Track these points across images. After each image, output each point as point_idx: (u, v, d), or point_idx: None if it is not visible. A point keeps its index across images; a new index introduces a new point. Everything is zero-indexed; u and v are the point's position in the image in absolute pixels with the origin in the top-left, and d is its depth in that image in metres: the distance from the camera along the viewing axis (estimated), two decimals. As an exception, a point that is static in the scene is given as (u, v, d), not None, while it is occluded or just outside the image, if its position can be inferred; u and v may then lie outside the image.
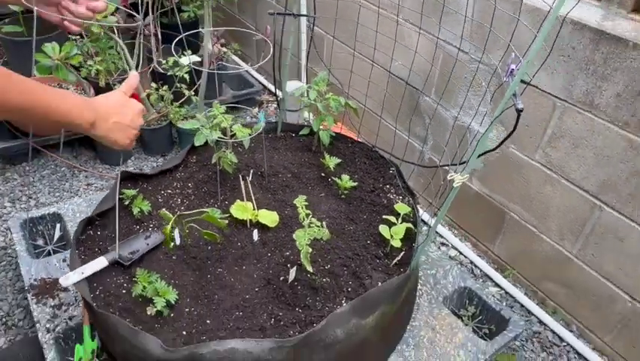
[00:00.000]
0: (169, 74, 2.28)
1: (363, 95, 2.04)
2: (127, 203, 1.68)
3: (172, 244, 1.49)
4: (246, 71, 3.15)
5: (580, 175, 1.67)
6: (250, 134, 1.76)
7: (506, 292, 2.05)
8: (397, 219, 1.66)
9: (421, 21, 1.55)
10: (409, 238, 1.67)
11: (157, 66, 2.57)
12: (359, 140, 2.12)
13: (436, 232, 2.30)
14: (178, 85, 2.22)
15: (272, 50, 2.48)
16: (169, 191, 1.81)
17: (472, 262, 2.18)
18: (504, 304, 2.01)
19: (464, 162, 1.27)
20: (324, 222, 1.49)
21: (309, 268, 1.36)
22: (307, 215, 1.40)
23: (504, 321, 1.78)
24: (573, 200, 1.72)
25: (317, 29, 2.66)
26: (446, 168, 1.38)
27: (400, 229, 1.61)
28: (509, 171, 1.92)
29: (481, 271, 2.15)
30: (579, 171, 1.66)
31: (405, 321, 1.70)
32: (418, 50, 2.07)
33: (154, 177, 1.84)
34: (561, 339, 1.89)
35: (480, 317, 1.85)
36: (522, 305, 2.00)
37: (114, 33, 2.22)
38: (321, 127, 1.95)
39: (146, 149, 2.58)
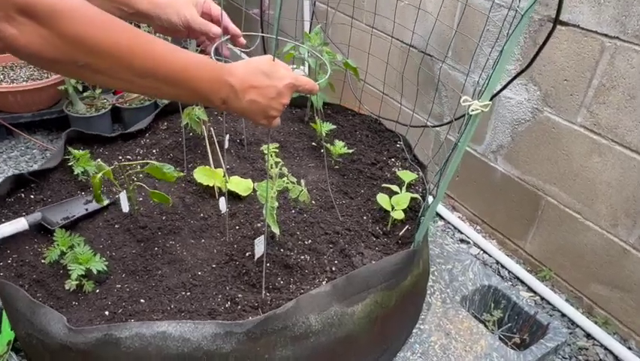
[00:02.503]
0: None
1: (371, 70, 1.73)
2: (71, 164, 1.39)
3: (105, 202, 1.18)
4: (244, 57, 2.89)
5: (638, 136, 1.30)
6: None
7: (542, 298, 1.65)
8: (401, 190, 1.32)
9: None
10: (415, 211, 1.32)
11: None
12: (361, 112, 1.81)
13: (454, 227, 1.92)
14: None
15: (260, 21, 2.24)
16: (128, 157, 1.52)
17: (498, 262, 1.78)
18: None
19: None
20: (302, 181, 1.16)
21: (276, 230, 1.03)
22: (277, 163, 1.07)
23: (541, 328, 1.38)
24: (629, 171, 1.35)
25: (320, 4, 2.40)
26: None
27: (403, 198, 1.27)
28: (544, 142, 1.56)
29: (509, 272, 1.75)
30: (637, 130, 1.29)
31: (410, 320, 1.32)
32: (431, 7, 1.77)
33: (112, 140, 1.56)
34: (616, 358, 1.47)
35: (509, 324, 1.45)
36: (563, 314, 1.59)
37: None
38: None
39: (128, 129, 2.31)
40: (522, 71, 0.98)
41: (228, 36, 1.05)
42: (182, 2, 0.99)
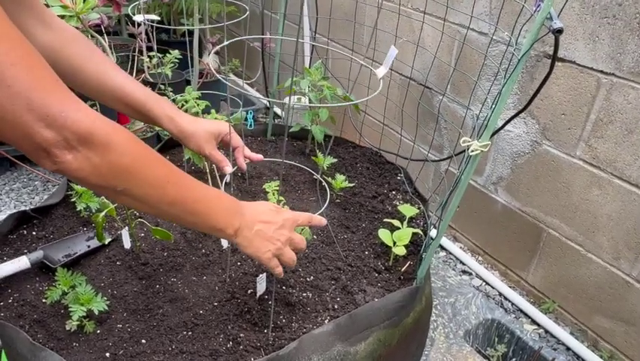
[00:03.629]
0: (151, 72, 2.07)
1: (371, 102, 1.75)
2: (74, 200, 1.39)
3: (107, 240, 1.18)
4: (246, 89, 2.94)
5: (637, 170, 1.31)
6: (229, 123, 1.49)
7: (546, 331, 1.63)
8: (402, 224, 1.32)
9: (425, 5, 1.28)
10: (417, 245, 1.32)
11: (148, 76, 2.40)
12: (361, 144, 1.82)
13: (456, 258, 1.92)
14: (162, 87, 1.99)
15: (261, 53, 2.28)
16: (130, 191, 1.52)
17: (501, 294, 1.77)
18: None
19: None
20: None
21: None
22: (279, 202, 1.08)
23: (545, 364, 1.37)
24: (629, 204, 1.35)
25: (321, 38, 2.45)
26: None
27: (405, 233, 1.27)
28: (544, 175, 1.57)
29: (512, 304, 1.74)
30: (636, 164, 1.30)
31: (413, 357, 1.31)
32: (429, 42, 1.81)
33: (115, 175, 1.56)
34: (623, 393, 1.45)
35: (513, 359, 1.44)
36: (568, 348, 1.57)
37: (101, 34, 2.05)
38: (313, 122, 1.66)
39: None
40: (519, 112, 1.00)
41: (235, 168, 1.22)
42: (204, 136, 1.10)
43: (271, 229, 0.91)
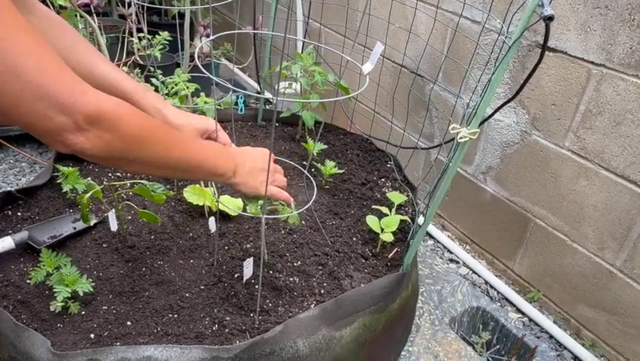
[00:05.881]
0: (141, 54, 2.04)
1: (363, 92, 1.74)
2: (60, 182, 1.38)
3: (93, 222, 1.17)
4: (237, 74, 2.91)
5: (624, 162, 1.32)
6: (217, 107, 1.47)
7: (530, 320, 1.65)
8: (391, 211, 1.32)
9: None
10: (405, 233, 1.33)
11: (138, 58, 2.36)
12: (352, 131, 1.82)
13: (444, 247, 1.93)
14: (151, 69, 1.96)
15: (253, 38, 2.25)
16: (118, 174, 1.51)
17: (487, 282, 1.79)
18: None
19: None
20: (292, 203, 1.16)
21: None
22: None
23: (528, 351, 1.38)
24: (615, 196, 1.36)
25: (313, 23, 2.43)
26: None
27: (393, 220, 1.27)
28: (532, 165, 1.58)
29: (498, 293, 1.76)
30: (623, 156, 1.31)
31: (398, 343, 1.32)
32: (423, 29, 1.80)
33: (102, 157, 1.54)
34: (602, 381, 1.47)
35: (497, 346, 1.46)
36: (551, 336, 1.60)
37: (90, 15, 2.01)
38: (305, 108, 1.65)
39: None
40: (509, 100, 1.00)
41: None
42: (191, 131, 1.08)
43: (258, 162, 0.99)
